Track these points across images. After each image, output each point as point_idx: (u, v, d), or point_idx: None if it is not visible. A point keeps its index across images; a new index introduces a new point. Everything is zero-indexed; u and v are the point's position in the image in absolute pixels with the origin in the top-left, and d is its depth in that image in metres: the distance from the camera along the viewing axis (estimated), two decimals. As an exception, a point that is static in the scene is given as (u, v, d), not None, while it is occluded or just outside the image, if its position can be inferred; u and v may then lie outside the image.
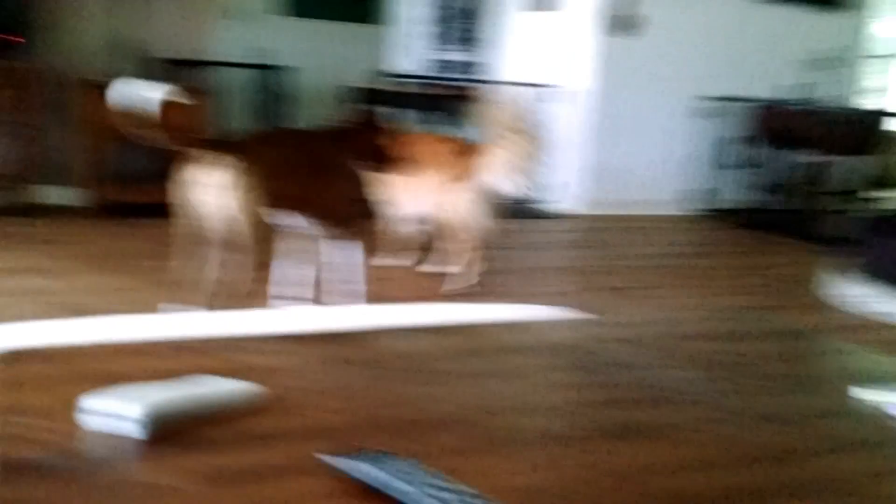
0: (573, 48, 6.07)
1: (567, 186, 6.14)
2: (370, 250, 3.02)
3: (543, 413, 1.13)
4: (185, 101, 2.46)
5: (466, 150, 3.77)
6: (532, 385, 1.23)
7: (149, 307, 3.18)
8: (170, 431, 0.97)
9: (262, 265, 2.62)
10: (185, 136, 2.46)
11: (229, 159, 2.51)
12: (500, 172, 3.75)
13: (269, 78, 5.72)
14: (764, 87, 6.39)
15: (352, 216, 3.02)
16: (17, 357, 1.22)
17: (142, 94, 2.39)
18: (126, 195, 4.85)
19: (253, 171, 2.52)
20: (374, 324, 1.60)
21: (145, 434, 0.96)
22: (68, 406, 1.01)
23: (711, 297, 4.07)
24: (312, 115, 7.35)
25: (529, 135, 3.91)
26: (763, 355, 1.46)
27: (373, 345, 1.37)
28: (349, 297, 3.06)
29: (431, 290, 3.73)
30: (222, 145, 2.55)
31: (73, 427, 0.98)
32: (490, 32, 6.97)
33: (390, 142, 3.00)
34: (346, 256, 3.01)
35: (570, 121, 6.11)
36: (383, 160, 3.01)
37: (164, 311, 2.65)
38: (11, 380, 1.11)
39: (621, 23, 5.93)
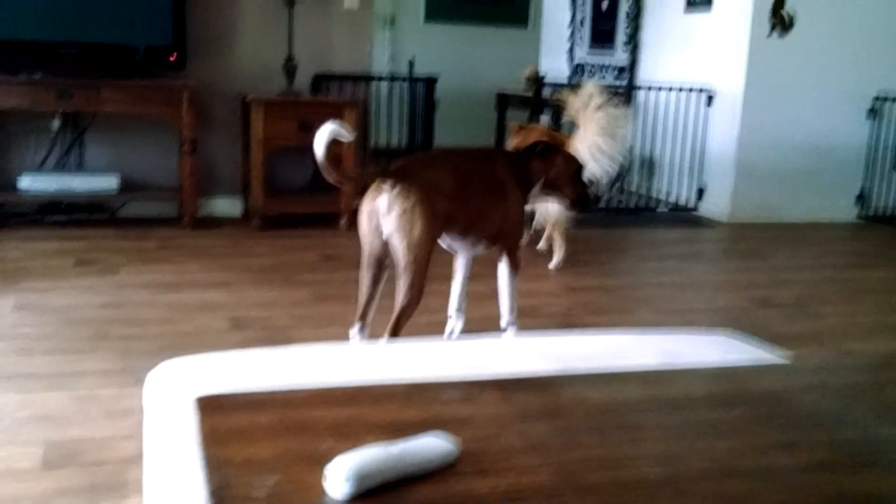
0: (725, 50, 5.87)
1: (720, 192, 5.94)
2: (517, 268, 3.03)
3: (753, 478, 1.09)
4: (344, 138, 2.51)
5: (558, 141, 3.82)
6: (732, 444, 1.19)
7: (319, 323, 3.29)
8: (371, 490, 1.00)
9: (422, 290, 2.65)
10: (349, 173, 2.52)
11: (396, 185, 2.54)
12: (585, 156, 3.91)
13: (419, 88, 5.79)
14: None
15: (516, 237, 3.03)
16: (220, 403, 1.27)
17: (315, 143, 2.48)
18: (289, 206, 5.03)
19: (419, 197, 2.54)
20: (556, 367, 1.59)
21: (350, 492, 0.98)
22: (290, 461, 1.04)
23: (889, 314, 3.85)
24: (462, 123, 7.44)
25: (610, 116, 4.06)
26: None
27: (562, 393, 1.36)
28: (515, 318, 3.07)
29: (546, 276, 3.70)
30: (385, 173, 2.58)
31: (311, 488, 1.01)
32: (642, 34, 6.82)
33: (550, 166, 3.01)
34: (508, 277, 3.02)
35: (724, 124, 5.91)
36: (546, 186, 3.04)
37: (353, 339, 2.72)
38: (220, 430, 1.16)
39: (777, 22, 5.69)
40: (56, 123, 4.87)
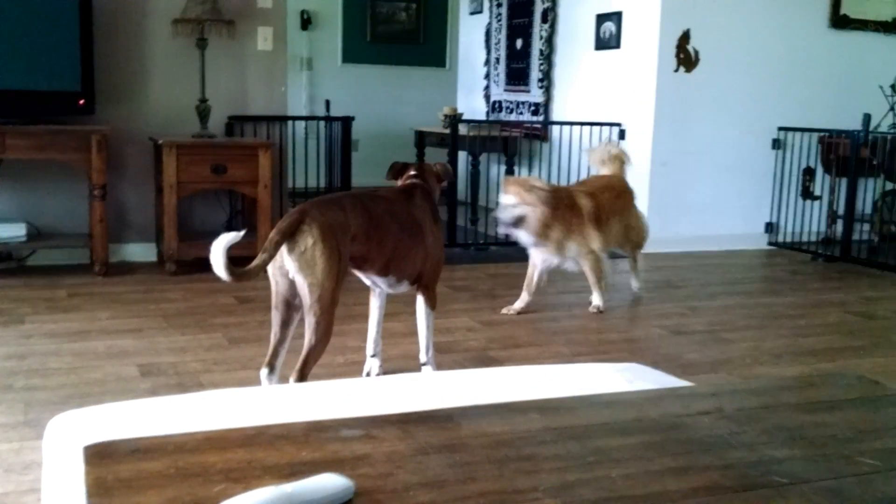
0: (635, 85, 6.03)
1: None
2: (434, 305, 3.06)
3: (644, 504, 1.11)
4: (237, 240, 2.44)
5: None
6: (627, 471, 1.20)
7: (232, 366, 3.24)
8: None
9: (329, 330, 2.62)
10: (258, 259, 2.48)
11: (297, 225, 2.52)
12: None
13: (336, 129, 5.79)
14: (834, 117, 6.24)
15: (436, 274, 3.04)
16: (108, 451, 1.23)
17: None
18: (204, 250, 4.95)
19: (320, 235, 2.52)
20: (453, 400, 1.59)
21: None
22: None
23: (796, 338, 3.96)
24: (381, 163, 7.46)
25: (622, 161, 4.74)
26: (875, 428, 1.41)
27: (461, 427, 1.36)
28: (432, 355, 3.08)
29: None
30: (294, 223, 2.53)
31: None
32: (555, 72, 6.96)
33: None
34: (426, 314, 3.03)
35: (636, 157, 6.05)
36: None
37: (263, 382, 2.67)
38: (107, 479, 1.12)
39: (683, 58, 5.88)
40: (-40, 171, 4.73)
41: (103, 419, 1.60)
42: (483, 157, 6.99)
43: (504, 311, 4.21)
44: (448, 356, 3.42)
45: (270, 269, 2.58)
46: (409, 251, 2.86)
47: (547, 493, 1.13)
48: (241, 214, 5.34)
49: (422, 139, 7.48)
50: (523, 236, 4.13)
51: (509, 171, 6.88)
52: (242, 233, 2.42)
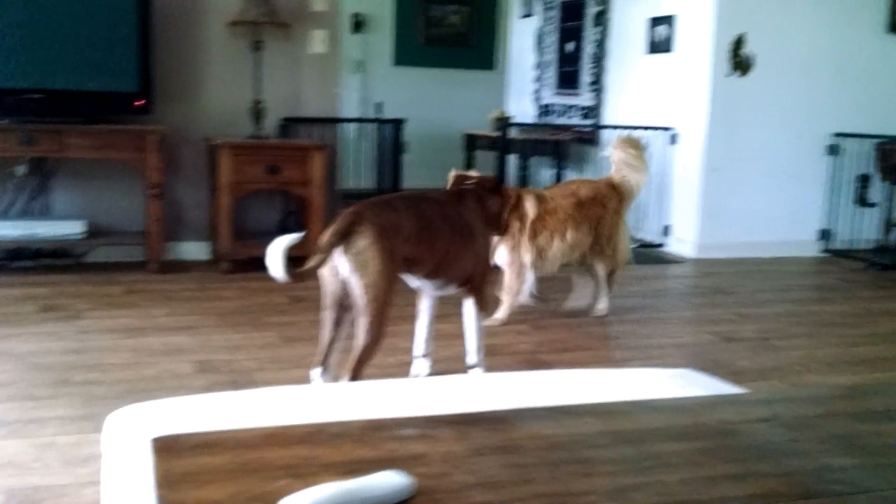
0: (688, 90, 5.98)
1: (684, 229, 6.02)
2: (485, 307, 3.07)
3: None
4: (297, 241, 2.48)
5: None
6: (684, 476, 1.20)
7: (285, 365, 3.28)
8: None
9: (381, 331, 2.65)
10: (315, 258, 2.52)
11: (360, 228, 2.55)
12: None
13: (387, 131, 5.84)
14: (891, 123, 6.13)
15: (485, 277, 3.05)
16: (174, 444, 1.27)
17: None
18: (257, 249, 5.01)
19: (374, 236, 2.55)
20: (506, 402, 1.60)
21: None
22: (243, 502, 1.04)
23: (848, 347, 3.90)
24: (431, 165, 7.48)
25: (640, 166, 4.22)
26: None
27: (516, 429, 1.37)
28: (482, 358, 3.09)
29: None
30: (349, 224, 2.56)
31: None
32: (607, 76, 6.93)
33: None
34: (475, 317, 3.04)
35: (689, 162, 6.00)
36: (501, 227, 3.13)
37: (314, 381, 2.71)
38: (174, 472, 1.15)
39: (737, 63, 5.82)
40: (21, 169, 4.85)
41: (163, 414, 1.64)
42: (533, 161, 7.00)
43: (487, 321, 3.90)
44: (497, 358, 3.43)
45: (324, 269, 2.61)
46: (459, 253, 2.88)
47: (603, 496, 1.14)
48: (293, 215, 5.40)
49: (472, 142, 7.50)
50: None
51: (558, 175, 6.87)
52: (301, 235, 2.46)
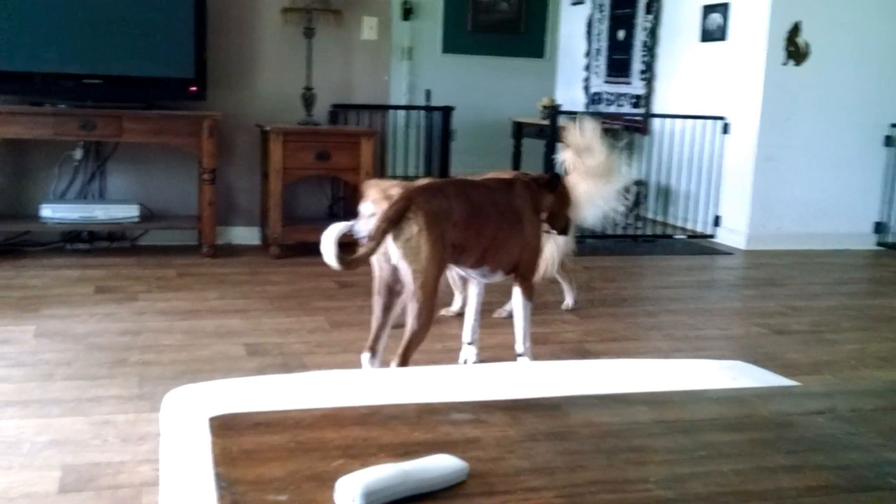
0: (741, 78, 5.90)
1: (734, 220, 5.95)
2: (532, 295, 3.06)
3: (759, 500, 1.10)
4: (348, 229, 2.49)
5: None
6: (739, 466, 1.20)
7: (334, 349, 3.32)
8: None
9: (431, 317, 2.67)
10: (366, 246, 2.54)
11: (411, 215, 2.57)
12: (581, 200, 3.63)
13: (436, 118, 5.84)
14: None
15: (533, 265, 3.05)
16: (232, 423, 1.29)
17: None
18: (306, 234, 5.07)
19: (426, 222, 2.56)
20: (556, 389, 1.61)
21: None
22: (300, 480, 1.07)
23: (903, 342, 3.84)
24: (478, 153, 7.48)
25: (602, 159, 3.74)
26: None
27: (569, 415, 1.38)
28: (529, 346, 3.09)
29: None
30: (400, 210, 2.57)
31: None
32: (658, 64, 6.86)
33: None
34: (523, 305, 3.04)
35: (741, 152, 5.93)
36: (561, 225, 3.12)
37: (364, 365, 2.74)
38: (233, 450, 1.18)
39: (793, 51, 5.72)
40: (79, 153, 4.95)
41: (219, 394, 1.67)
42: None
43: (443, 312, 3.77)
44: (544, 347, 3.43)
45: (375, 254, 2.63)
46: (507, 241, 2.87)
47: (658, 484, 1.14)
48: (342, 201, 5.44)
49: (519, 130, 7.47)
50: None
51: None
52: (353, 223, 2.48)
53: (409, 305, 2.62)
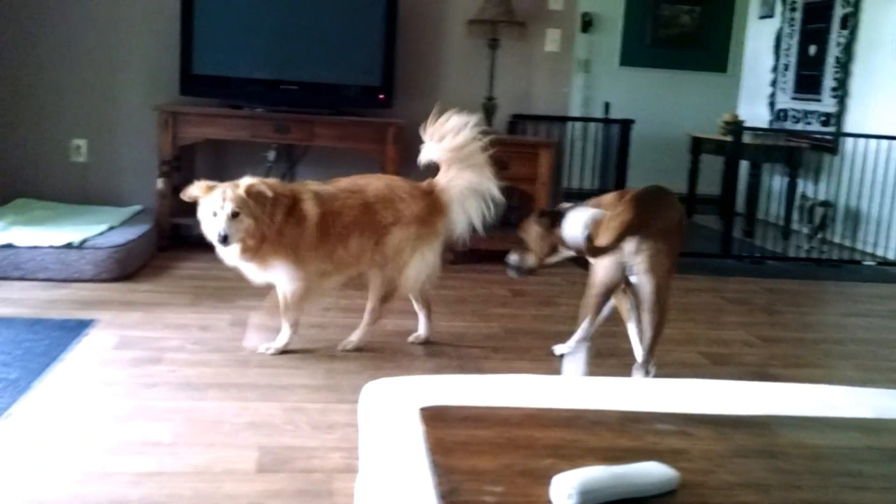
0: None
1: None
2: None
3: None
4: (602, 218, 2.61)
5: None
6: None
7: (507, 356, 3.35)
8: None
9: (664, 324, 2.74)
10: (603, 247, 2.60)
11: (640, 229, 2.63)
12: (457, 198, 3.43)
13: (613, 131, 5.80)
14: None
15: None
16: (442, 415, 1.34)
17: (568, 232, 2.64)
18: (478, 242, 5.12)
19: (664, 239, 2.66)
20: (763, 408, 1.57)
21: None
22: (513, 474, 1.10)
23: None
24: (654, 168, 7.36)
25: (475, 163, 3.51)
26: None
27: (778, 435, 1.35)
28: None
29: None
30: (629, 230, 2.61)
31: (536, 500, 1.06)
32: (852, 81, 6.54)
33: None
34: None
35: (942, 177, 5.56)
36: None
37: (562, 360, 2.81)
38: (446, 441, 1.23)
39: None
40: (272, 155, 5.22)
41: (421, 387, 1.73)
42: (764, 168, 6.73)
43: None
44: (724, 369, 3.35)
45: (607, 259, 2.68)
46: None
47: (877, 511, 1.11)
48: (515, 210, 5.48)
49: (698, 145, 7.30)
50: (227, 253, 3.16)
51: (792, 184, 6.56)
52: (603, 212, 2.56)
53: (647, 316, 2.74)
